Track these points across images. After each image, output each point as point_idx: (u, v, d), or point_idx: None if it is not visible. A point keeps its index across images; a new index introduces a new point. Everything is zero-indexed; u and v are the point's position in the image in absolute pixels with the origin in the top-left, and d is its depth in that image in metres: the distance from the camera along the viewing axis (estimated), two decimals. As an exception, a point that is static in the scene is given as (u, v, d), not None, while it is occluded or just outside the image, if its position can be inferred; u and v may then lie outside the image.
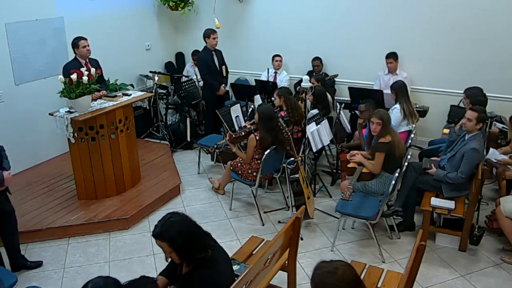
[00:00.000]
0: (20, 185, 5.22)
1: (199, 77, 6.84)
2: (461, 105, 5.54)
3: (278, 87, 6.05)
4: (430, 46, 6.09)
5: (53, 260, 4.20)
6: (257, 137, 4.66)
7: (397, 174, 4.15)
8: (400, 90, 5.25)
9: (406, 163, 4.37)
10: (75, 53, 5.20)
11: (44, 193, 5.14)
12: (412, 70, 6.16)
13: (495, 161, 4.74)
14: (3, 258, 3.92)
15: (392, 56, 6.10)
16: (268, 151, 4.59)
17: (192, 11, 7.45)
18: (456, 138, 4.50)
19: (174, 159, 6.15)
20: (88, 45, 5.18)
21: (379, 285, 3.11)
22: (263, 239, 3.62)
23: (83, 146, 4.80)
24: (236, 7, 7.33)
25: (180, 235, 2.42)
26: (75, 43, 5.14)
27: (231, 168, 4.95)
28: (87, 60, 5.23)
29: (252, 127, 4.83)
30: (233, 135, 4.91)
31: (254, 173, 4.73)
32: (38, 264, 4.11)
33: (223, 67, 6.46)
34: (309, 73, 6.56)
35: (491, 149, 4.69)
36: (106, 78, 5.89)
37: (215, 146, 5.12)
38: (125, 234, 4.60)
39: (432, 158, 4.63)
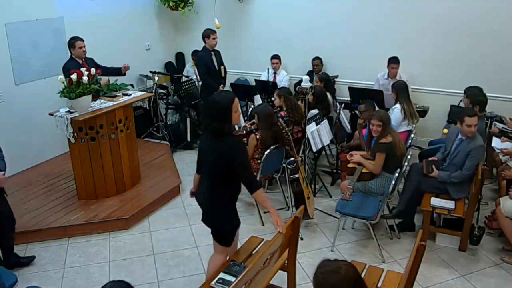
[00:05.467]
0: (20, 185, 5.21)
1: (199, 77, 6.84)
2: (461, 105, 5.54)
3: (278, 87, 6.05)
4: (430, 46, 6.08)
5: (53, 260, 4.20)
6: (258, 137, 4.66)
7: (397, 174, 4.15)
8: (401, 89, 5.25)
9: (406, 164, 4.37)
10: (71, 52, 5.18)
11: (44, 193, 5.14)
12: (412, 70, 6.15)
13: (498, 150, 4.75)
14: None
15: (395, 61, 5.96)
16: (268, 151, 4.58)
17: (192, 11, 7.45)
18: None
19: (174, 159, 6.15)
20: (84, 46, 5.15)
21: (379, 285, 3.11)
22: (263, 239, 3.62)
23: (83, 146, 4.80)
24: (236, 7, 7.32)
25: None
26: (71, 44, 5.13)
27: (231, 168, 4.93)
28: (83, 60, 5.22)
29: (253, 127, 4.83)
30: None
31: (254, 173, 4.72)
32: (31, 260, 4.11)
33: (222, 67, 6.45)
34: (309, 73, 6.56)
35: (494, 138, 4.75)
36: (106, 78, 5.87)
37: None
38: (125, 234, 4.60)
39: (430, 159, 4.60)
